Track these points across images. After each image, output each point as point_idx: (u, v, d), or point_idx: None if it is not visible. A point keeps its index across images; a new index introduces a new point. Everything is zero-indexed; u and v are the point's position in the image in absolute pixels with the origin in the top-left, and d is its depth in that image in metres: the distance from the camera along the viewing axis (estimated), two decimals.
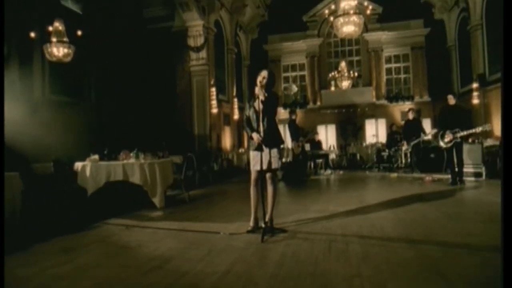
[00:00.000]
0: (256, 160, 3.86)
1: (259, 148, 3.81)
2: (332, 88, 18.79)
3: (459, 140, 6.94)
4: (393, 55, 18.76)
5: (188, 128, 13.12)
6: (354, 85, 18.73)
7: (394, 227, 3.88)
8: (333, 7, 14.19)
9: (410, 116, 10.12)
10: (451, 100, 7.20)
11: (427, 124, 16.41)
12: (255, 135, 3.84)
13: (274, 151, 3.88)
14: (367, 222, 4.17)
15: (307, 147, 10.33)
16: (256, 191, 3.97)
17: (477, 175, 7.80)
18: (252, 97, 3.95)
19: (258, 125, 3.85)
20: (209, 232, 4.00)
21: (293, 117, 9.49)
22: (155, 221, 4.81)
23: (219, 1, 13.65)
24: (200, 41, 12.97)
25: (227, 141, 15.77)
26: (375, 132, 17.06)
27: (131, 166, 5.48)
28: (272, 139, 3.86)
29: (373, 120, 17.50)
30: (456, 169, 7.07)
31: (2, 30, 5.96)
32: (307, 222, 4.30)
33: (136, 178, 5.45)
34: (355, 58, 19.34)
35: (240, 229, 3.98)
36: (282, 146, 4.04)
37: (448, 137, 7.01)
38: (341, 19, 13.34)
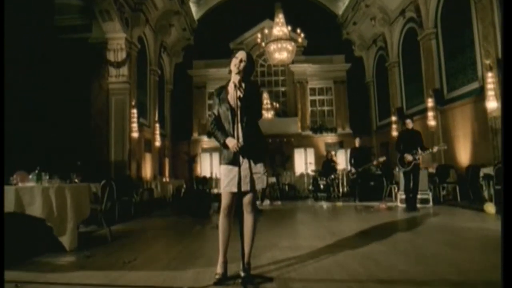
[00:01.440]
0: (231, 178, 2.72)
1: (235, 161, 2.70)
2: None
3: (418, 161, 6.85)
4: (317, 88, 19.17)
5: (104, 153, 11.27)
6: (279, 115, 18.67)
7: (408, 264, 3.02)
8: (266, 31, 13.92)
9: (357, 143, 9.95)
10: (409, 124, 7.23)
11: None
12: (231, 141, 2.71)
13: (258, 165, 2.79)
14: (366, 259, 3.24)
15: None
16: (228, 223, 2.79)
17: (424, 201, 7.63)
18: (223, 88, 2.87)
19: (234, 128, 2.75)
20: (155, 287, 2.69)
21: None
22: (65, 271, 3.27)
23: (144, 15, 12.43)
24: (122, 56, 11.51)
25: (147, 169, 14.07)
26: (304, 161, 16.86)
27: (29, 191, 3.87)
28: (254, 148, 2.78)
29: (302, 150, 17.32)
30: (411, 195, 6.86)
31: (2, 30, 5.42)
32: (289, 263, 3.21)
33: (36, 209, 3.85)
34: (281, 89, 19.35)
35: (201, 280, 2.75)
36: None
37: (407, 158, 6.84)
38: (273, 45, 13.08)
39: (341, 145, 18.20)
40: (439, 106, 12.11)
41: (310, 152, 17.10)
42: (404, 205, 7.64)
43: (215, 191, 13.19)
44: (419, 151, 6.87)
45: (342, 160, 16.08)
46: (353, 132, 18.29)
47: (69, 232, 4.09)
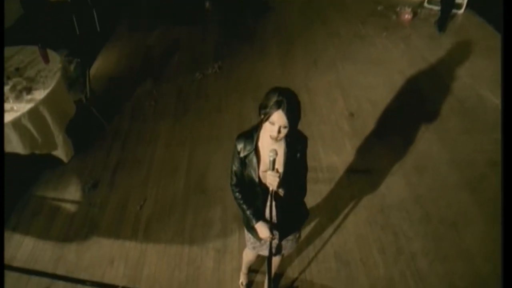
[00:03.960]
0: (261, 243, 2.26)
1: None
2: None
3: None
4: None
5: None
6: None
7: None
8: None
9: None
10: None
11: None
12: (263, 231, 2.03)
13: (294, 235, 2.29)
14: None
15: None
16: (255, 257, 2.57)
17: (457, 6, 6.53)
18: (251, 150, 1.84)
19: (265, 205, 1.99)
20: None
21: None
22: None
23: None
24: None
25: None
26: None
27: None
28: (292, 224, 2.20)
29: None
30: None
31: (2, 30, 4.99)
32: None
33: (15, 147, 3.22)
34: None
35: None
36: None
37: None
38: None
39: None
40: None
41: None
42: (431, 7, 6.85)
43: None
44: None
45: None
46: None
47: (61, 144, 3.66)
